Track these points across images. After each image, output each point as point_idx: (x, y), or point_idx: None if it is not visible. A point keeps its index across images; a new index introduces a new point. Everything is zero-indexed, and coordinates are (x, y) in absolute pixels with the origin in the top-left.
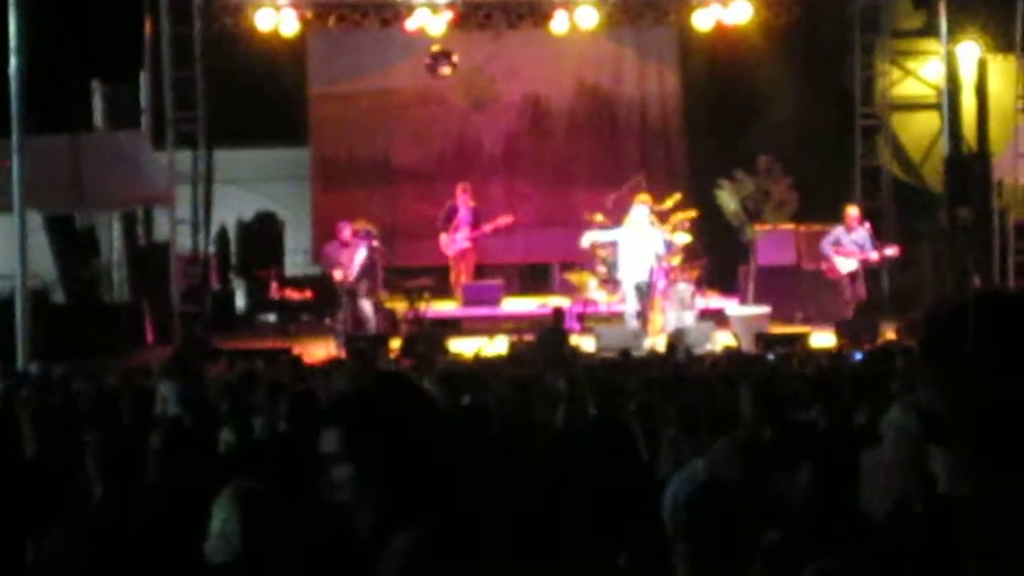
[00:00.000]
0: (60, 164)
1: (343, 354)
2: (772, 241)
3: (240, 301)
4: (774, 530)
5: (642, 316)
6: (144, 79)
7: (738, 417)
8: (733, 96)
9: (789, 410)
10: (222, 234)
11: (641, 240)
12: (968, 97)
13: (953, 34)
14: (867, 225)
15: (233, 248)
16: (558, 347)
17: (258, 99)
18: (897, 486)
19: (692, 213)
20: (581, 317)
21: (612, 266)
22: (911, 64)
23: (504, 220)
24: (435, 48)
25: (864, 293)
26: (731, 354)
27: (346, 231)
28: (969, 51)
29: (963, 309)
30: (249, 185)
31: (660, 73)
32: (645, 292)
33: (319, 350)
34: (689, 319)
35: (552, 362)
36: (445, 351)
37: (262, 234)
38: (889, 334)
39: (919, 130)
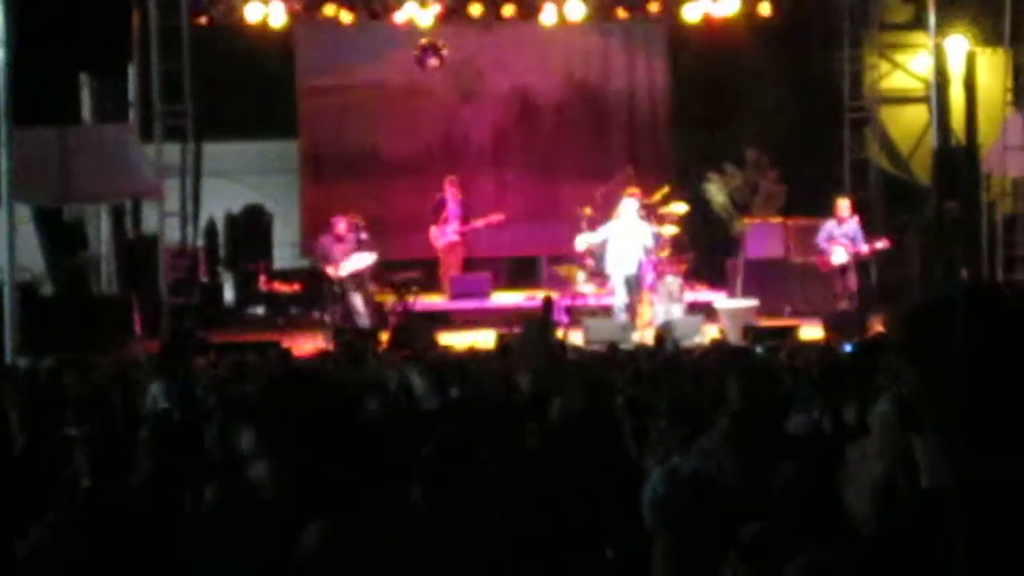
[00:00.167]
0: (48, 157)
1: (332, 347)
2: (760, 234)
3: (229, 294)
4: (752, 523)
5: (631, 309)
6: (132, 72)
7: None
8: (721, 89)
9: (788, 408)
10: (211, 227)
11: (630, 233)
12: (956, 90)
13: (942, 27)
14: (855, 218)
15: (222, 241)
16: (543, 338)
17: (246, 92)
18: (881, 475)
19: (682, 207)
20: (570, 310)
21: (600, 259)
22: (900, 57)
23: (495, 217)
24: (423, 41)
25: (854, 286)
26: (719, 347)
27: (340, 225)
28: (958, 44)
29: (948, 303)
30: (237, 178)
31: (648, 66)
32: (634, 285)
33: (308, 343)
34: (677, 312)
35: (535, 353)
36: (434, 344)
37: (251, 227)
38: (877, 327)
39: (907, 123)
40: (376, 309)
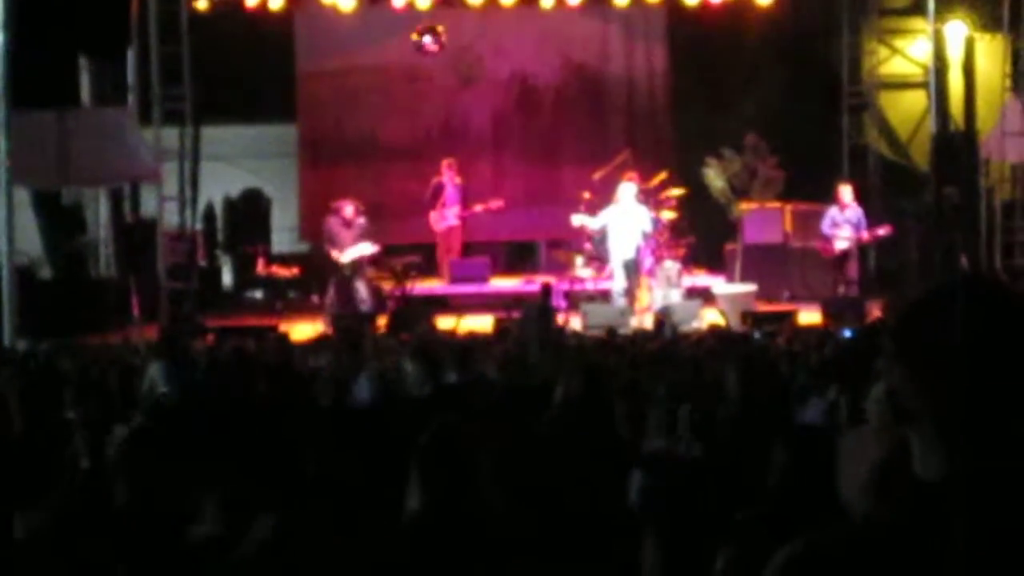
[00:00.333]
0: (47, 141)
1: (330, 331)
2: (759, 219)
3: (227, 278)
4: (745, 508)
5: (629, 294)
6: (131, 56)
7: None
8: (720, 74)
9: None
10: (209, 211)
11: (628, 218)
12: (955, 76)
13: (941, 13)
14: (857, 205)
15: (220, 225)
16: (545, 323)
17: (245, 76)
18: (878, 462)
19: (680, 191)
20: (568, 295)
21: (599, 243)
22: (899, 43)
23: (495, 203)
24: (422, 26)
25: (855, 272)
26: (717, 332)
27: (348, 209)
28: (957, 30)
29: (947, 293)
30: (236, 162)
31: (647, 51)
32: (632, 270)
33: (306, 327)
34: (676, 297)
35: (538, 338)
36: (433, 328)
37: (249, 211)
38: (875, 312)
39: (906, 109)
40: (375, 293)
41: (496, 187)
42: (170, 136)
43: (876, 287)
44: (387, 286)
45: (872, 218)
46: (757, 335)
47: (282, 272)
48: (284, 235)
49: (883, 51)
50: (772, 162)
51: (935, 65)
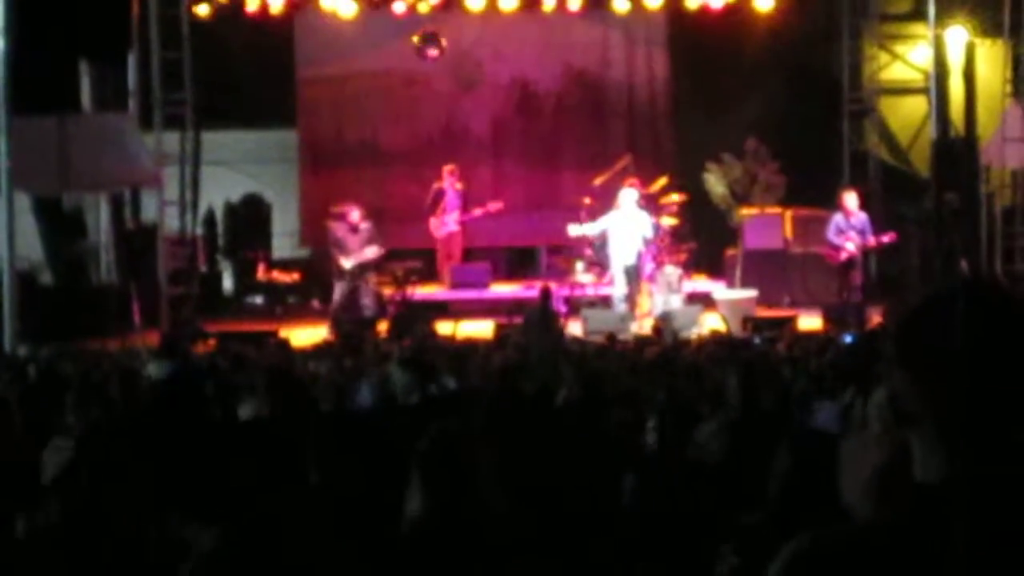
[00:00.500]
0: (47, 145)
1: (331, 337)
2: (759, 225)
3: (227, 283)
4: (749, 513)
5: (630, 299)
6: (132, 60)
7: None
8: (721, 80)
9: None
10: (210, 216)
11: (629, 224)
12: (956, 82)
13: (941, 18)
14: (863, 212)
15: (221, 230)
16: (546, 328)
17: (246, 81)
18: (880, 465)
19: (681, 197)
20: (568, 300)
21: (600, 249)
22: (899, 48)
23: (494, 205)
24: (423, 31)
25: (860, 280)
26: (718, 338)
27: (354, 214)
28: (957, 35)
29: (947, 297)
30: (237, 167)
31: (648, 56)
32: (633, 275)
33: (306, 332)
34: (676, 302)
35: (539, 343)
36: (433, 333)
37: (250, 216)
38: (876, 318)
39: (907, 114)
40: (377, 298)
41: (496, 192)
42: (171, 141)
43: (877, 293)
44: (388, 291)
45: (872, 224)
46: (757, 340)
47: (282, 277)
48: (285, 240)
49: (883, 57)
50: (773, 167)
51: (936, 71)
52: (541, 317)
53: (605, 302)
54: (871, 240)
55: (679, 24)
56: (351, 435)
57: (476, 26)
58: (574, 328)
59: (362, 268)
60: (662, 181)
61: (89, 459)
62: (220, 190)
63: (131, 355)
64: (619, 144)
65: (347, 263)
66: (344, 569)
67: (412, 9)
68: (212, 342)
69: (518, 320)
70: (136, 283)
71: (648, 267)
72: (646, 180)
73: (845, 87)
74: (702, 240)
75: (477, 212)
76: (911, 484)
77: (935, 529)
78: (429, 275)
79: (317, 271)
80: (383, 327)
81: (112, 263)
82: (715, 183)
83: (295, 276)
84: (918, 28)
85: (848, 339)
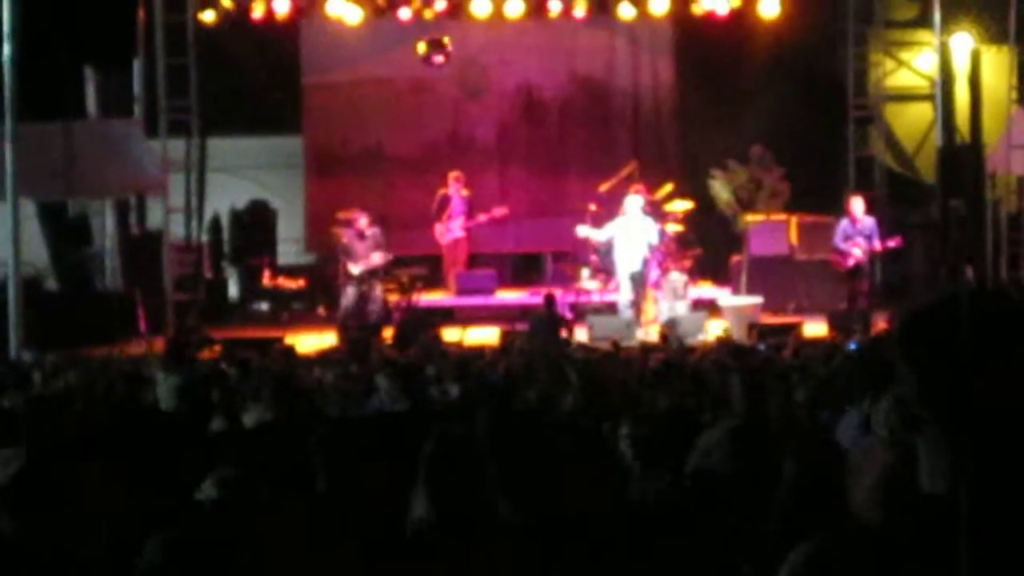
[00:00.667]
0: (53, 152)
1: (337, 343)
2: (765, 231)
3: (233, 290)
4: (756, 521)
5: (635, 306)
6: (137, 67)
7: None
8: (726, 86)
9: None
10: (215, 222)
11: (635, 230)
12: (961, 88)
13: (947, 25)
14: (871, 217)
15: (226, 236)
16: (552, 333)
17: (251, 88)
18: (887, 471)
19: (686, 203)
20: (574, 307)
21: (606, 255)
22: (904, 55)
23: (499, 211)
24: (428, 37)
25: (867, 286)
26: (724, 344)
27: (361, 220)
28: (963, 42)
29: (952, 304)
30: (242, 174)
31: (653, 63)
32: (639, 282)
33: (311, 339)
34: (682, 309)
35: (545, 349)
36: (439, 340)
37: (255, 223)
38: (881, 324)
39: (912, 121)
40: (383, 305)
41: (502, 199)
42: (176, 148)
43: (882, 299)
44: (393, 298)
45: (879, 230)
46: (763, 347)
47: (288, 284)
48: (290, 247)
49: (889, 63)
50: (778, 174)
51: (941, 77)
52: (546, 324)
53: (611, 308)
54: (878, 244)
55: (685, 31)
56: (357, 441)
57: (482, 33)
58: (580, 334)
59: (369, 274)
60: (667, 188)
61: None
62: (225, 196)
63: (136, 362)
64: (624, 151)
65: (355, 269)
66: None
67: (418, 16)
68: (217, 348)
69: (522, 326)
70: (141, 289)
71: (653, 274)
72: (651, 187)
73: (850, 93)
74: (707, 246)
75: (482, 218)
76: (916, 490)
77: (941, 541)
78: (435, 281)
79: (322, 278)
80: (389, 333)
81: (117, 269)
82: (720, 189)
83: (300, 283)
84: (924, 34)
85: (852, 346)
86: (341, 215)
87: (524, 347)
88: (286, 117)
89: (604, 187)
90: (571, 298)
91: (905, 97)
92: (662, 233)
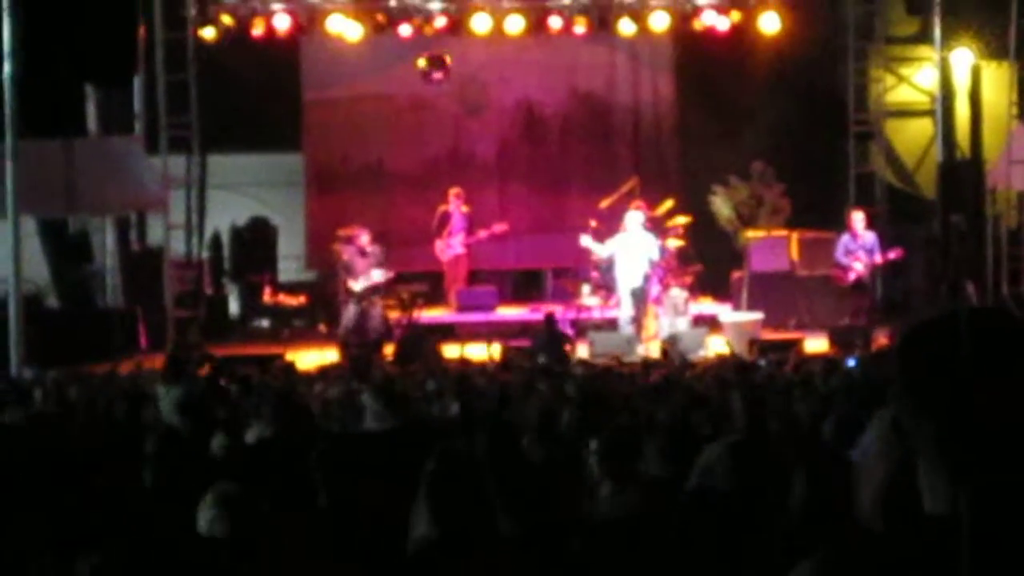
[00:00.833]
0: (53, 169)
1: (339, 360)
2: (765, 247)
3: (233, 306)
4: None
5: (636, 322)
6: (138, 84)
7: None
8: (727, 102)
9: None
10: (215, 239)
11: (636, 246)
12: (962, 104)
13: (947, 41)
14: (871, 232)
15: (226, 253)
16: (553, 351)
17: (252, 104)
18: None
19: (687, 219)
20: (575, 323)
21: (606, 272)
22: (905, 70)
23: (499, 227)
24: (429, 54)
25: (868, 301)
26: (724, 360)
27: (363, 237)
28: (963, 58)
29: (950, 322)
30: (242, 190)
31: (654, 79)
32: (640, 298)
33: (312, 356)
34: (683, 325)
35: (549, 365)
36: (439, 356)
37: (255, 239)
38: (882, 340)
39: (913, 136)
40: (384, 322)
41: (502, 215)
42: (177, 164)
43: (883, 315)
44: (394, 314)
45: (880, 244)
46: (763, 363)
47: (288, 301)
48: (291, 263)
49: (889, 79)
50: (779, 190)
51: (941, 93)
52: (547, 341)
53: (611, 325)
54: (879, 257)
55: (685, 47)
56: (357, 458)
57: (482, 49)
58: (581, 351)
59: (370, 291)
60: (668, 203)
61: None
62: (226, 213)
63: (137, 378)
64: (625, 167)
65: (355, 286)
66: None
67: (418, 32)
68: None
69: (521, 343)
70: (142, 306)
71: (654, 290)
72: (652, 202)
73: (851, 109)
74: (708, 262)
75: (482, 234)
76: (912, 504)
77: (943, 562)
78: (436, 298)
79: (323, 294)
80: (390, 350)
81: (118, 286)
82: (721, 205)
83: (301, 299)
84: (924, 50)
85: (851, 362)
86: (342, 232)
87: (525, 363)
88: (286, 134)
89: (605, 203)
90: (572, 314)
91: (906, 113)
92: (663, 249)
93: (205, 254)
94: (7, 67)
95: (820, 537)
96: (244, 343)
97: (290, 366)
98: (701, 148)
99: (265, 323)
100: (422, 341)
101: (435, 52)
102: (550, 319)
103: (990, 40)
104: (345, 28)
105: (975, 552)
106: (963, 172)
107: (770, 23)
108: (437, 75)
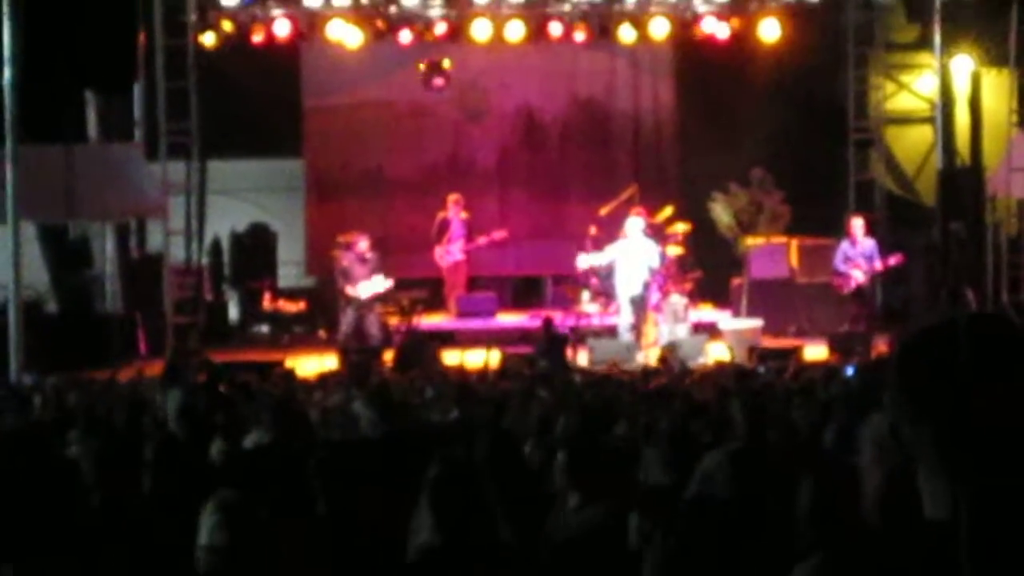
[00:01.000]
0: (54, 175)
1: (338, 366)
2: (765, 254)
3: (233, 312)
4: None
5: (636, 329)
6: (138, 90)
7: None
8: (726, 109)
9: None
10: (215, 245)
11: (635, 253)
12: (962, 111)
13: (947, 47)
14: (871, 238)
15: (226, 259)
16: (553, 357)
17: (252, 111)
18: (879, 486)
19: (687, 226)
20: (574, 330)
21: (606, 279)
22: (905, 77)
23: (499, 234)
24: (429, 60)
25: (868, 308)
26: (724, 367)
27: (361, 243)
28: (963, 65)
29: (950, 329)
30: (242, 196)
31: (654, 86)
32: (639, 305)
33: (312, 362)
34: (682, 332)
35: (552, 372)
36: (439, 363)
37: (255, 246)
38: (882, 347)
39: (912, 144)
40: (383, 328)
41: (502, 222)
42: (176, 171)
43: (882, 322)
44: (394, 321)
45: (880, 250)
46: (763, 370)
47: (288, 307)
48: (290, 269)
49: (889, 86)
50: (778, 197)
51: (941, 100)
52: (547, 347)
53: (611, 332)
54: (878, 264)
55: (685, 54)
56: (356, 465)
57: (482, 56)
58: (580, 358)
59: (369, 298)
60: (668, 210)
61: None
62: (226, 219)
63: (136, 384)
64: (625, 173)
65: (353, 292)
66: None
67: (418, 39)
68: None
69: (521, 350)
70: (141, 312)
71: (654, 297)
72: (652, 209)
73: (851, 116)
74: (708, 269)
75: (482, 241)
76: (909, 507)
77: (943, 567)
78: (435, 304)
79: (323, 300)
80: (389, 356)
81: (117, 292)
82: (721, 212)
83: (301, 305)
84: (924, 57)
85: (849, 370)
86: (341, 238)
87: (525, 370)
88: (286, 140)
89: (604, 210)
90: (571, 321)
91: (905, 120)
92: (663, 256)
93: (205, 260)
94: (7, 73)
95: (825, 544)
96: (244, 349)
97: (290, 373)
98: (701, 155)
99: (265, 329)
100: (422, 347)
101: (435, 58)
102: (548, 324)
103: (990, 47)
104: (345, 34)
105: (974, 556)
106: (963, 179)
107: (770, 30)
108: (437, 81)
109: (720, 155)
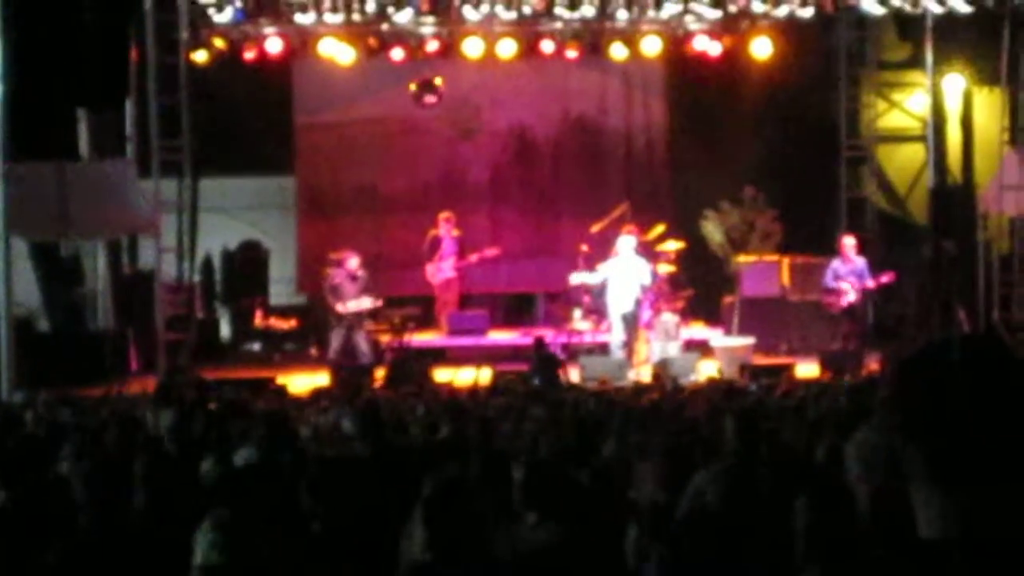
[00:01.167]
0: (45, 191)
1: (329, 383)
2: (757, 272)
3: (225, 330)
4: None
5: (627, 347)
6: (129, 107)
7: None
8: (718, 127)
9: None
10: (207, 263)
11: (627, 271)
12: (953, 129)
13: (939, 66)
14: (861, 257)
15: (218, 277)
16: (545, 375)
17: (244, 128)
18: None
19: (679, 244)
20: (566, 348)
21: (598, 296)
22: (896, 96)
23: (491, 252)
24: (421, 78)
25: (864, 325)
26: (715, 385)
27: (352, 261)
28: (955, 83)
29: (944, 352)
30: (234, 214)
31: (646, 103)
32: (631, 323)
33: (303, 379)
34: (674, 350)
35: (544, 389)
36: (430, 380)
37: (247, 263)
38: (873, 365)
39: (904, 162)
40: (374, 346)
41: (494, 240)
42: (168, 188)
43: (874, 340)
44: (385, 338)
45: (871, 268)
46: (754, 388)
47: (280, 324)
48: (282, 287)
49: (881, 104)
50: (770, 215)
51: (933, 118)
52: (539, 365)
53: (603, 349)
54: (870, 282)
55: (677, 72)
56: (346, 482)
57: (474, 73)
58: (572, 375)
59: (358, 316)
60: (660, 228)
61: None
62: (218, 237)
63: (128, 401)
64: (617, 191)
65: (343, 310)
66: None
67: (410, 56)
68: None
69: (513, 367)
70: (133, 330)
71: (646, 314)
72: (644, 227)
73: (842, 135)
74: (699, 287)
75: (473, 258)
76: (897, 523)
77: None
78: (427, 322)
79: (314, 318)
80: (380, 374)
81: (109, 309)
82: (713, 230)
83: (292, 323)
84: (915, 76)
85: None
86: (332, 255)
87: (519, 388)
88: (278, 157)
89: (596, 228)
90: (563, 339)
91: (897, 138)
92: (654, 274)
93: (196, 277)
94: None
95: (821, 561)
96: (235, 367)
97: (282, 390)
98: (693, 173)
99: (256, 346)
100: (413, 365)
101: (427, 76)
102: (539, 343)
103: (982, 66)
104: (337, 52)
105: (967, 569)
106: (954, 197)
107: (762, 48)
108: (429, 99)
109: (712, 173)
